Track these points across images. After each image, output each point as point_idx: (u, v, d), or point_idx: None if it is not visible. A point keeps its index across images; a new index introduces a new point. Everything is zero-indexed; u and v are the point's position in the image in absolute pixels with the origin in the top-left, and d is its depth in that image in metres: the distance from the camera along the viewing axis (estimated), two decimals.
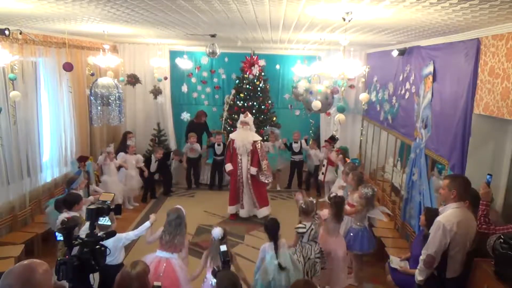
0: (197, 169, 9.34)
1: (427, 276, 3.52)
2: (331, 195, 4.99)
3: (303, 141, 9.29)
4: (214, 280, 3.63)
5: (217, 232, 3.94)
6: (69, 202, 4.92)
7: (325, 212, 4.91)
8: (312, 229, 4.43)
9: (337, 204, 4.81)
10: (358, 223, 5.26)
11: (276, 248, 4.02)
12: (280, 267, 3.94)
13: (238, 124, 7.60)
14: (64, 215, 4.73)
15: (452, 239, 3.37)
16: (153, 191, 8.56)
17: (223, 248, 3.56)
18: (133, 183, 7.98)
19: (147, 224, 4.34)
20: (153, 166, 8.34)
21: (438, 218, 3.46)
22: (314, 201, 4.59)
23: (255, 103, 9.68)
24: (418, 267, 3.60)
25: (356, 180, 5.48)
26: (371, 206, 5.25)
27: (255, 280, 4.12)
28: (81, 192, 5.70)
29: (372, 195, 5.17)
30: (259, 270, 4.13)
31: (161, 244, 4.17)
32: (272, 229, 4.12)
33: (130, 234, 4.32)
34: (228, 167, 7.60)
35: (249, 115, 7.71)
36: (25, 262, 2.08)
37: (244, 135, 7.41)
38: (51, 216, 5.47)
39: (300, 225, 4.48)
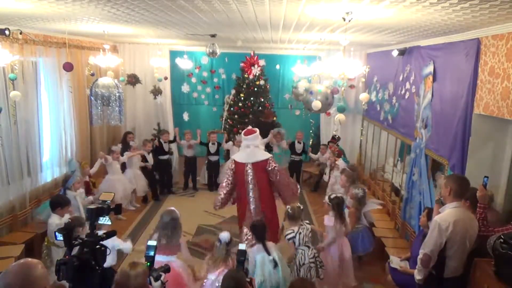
0: (194, 169, 9.09)
1: (425, 276, 3.53)
2: (331, 196, 4.87)
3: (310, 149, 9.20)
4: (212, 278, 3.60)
5: (225, 236, 3.89)
6: (53, 203, 4.80)
7: (328, 220, 4.81)
8: (301, 233, 4.42)
9: (338, 206, 4.77)
10: (356, 225, 5.25)
11: (265, 247, 4.15)
12: (275, 263, 4.06)
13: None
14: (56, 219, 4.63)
15: (448, 239, 3.36)
16: (155, 192, 8.48)
17: (242, 247, 3.44)
18: (142, 182, 7.96)
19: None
20: (150, 160, 8.22)
21: (435, 218, 3.49)
22: (301, 208, 4.60)
23: (255, 103, 9.68)
24: (416, 266, 3.61)
25: (349, 180, 5.59)
26: (363, 204, 5.31)
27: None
28: (78, 192, 5.64)
29: (362, 196, 5.27)
30: (254, 273, 4.14)
31: (158, 248, 4.14)
32: (259, 230, 4.23)
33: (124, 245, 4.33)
34: None
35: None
36: (21, 261, 2.09)
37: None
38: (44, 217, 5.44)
39: (288, 231, 4.49)
